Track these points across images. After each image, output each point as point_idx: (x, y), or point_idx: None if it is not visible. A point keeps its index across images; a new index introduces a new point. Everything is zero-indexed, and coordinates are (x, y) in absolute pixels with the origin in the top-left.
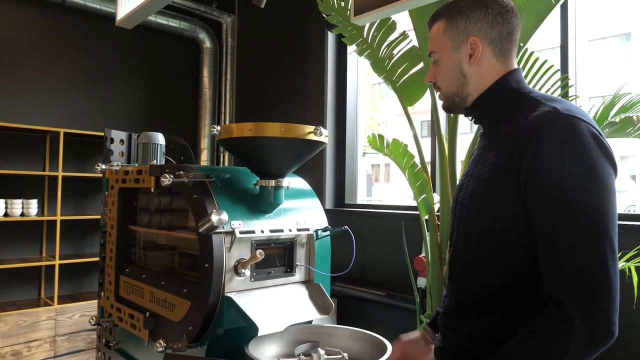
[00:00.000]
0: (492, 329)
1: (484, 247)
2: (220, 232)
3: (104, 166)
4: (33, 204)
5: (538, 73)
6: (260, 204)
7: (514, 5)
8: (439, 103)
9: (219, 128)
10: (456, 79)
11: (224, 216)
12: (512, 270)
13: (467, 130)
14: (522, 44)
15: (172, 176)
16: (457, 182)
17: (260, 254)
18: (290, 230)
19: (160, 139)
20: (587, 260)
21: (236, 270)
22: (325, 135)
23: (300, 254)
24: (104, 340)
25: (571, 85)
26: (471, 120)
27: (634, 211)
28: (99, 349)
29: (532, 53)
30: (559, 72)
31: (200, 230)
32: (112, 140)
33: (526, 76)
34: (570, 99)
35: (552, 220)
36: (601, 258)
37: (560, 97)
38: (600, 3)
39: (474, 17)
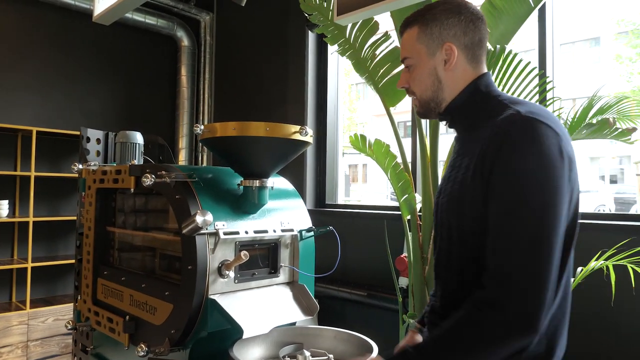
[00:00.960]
0: None
1: (462, 248)
2: (204, 233)
3: (80, 166)
4: (4, 205)
5: (520, 75)
6: (244, 204)
7: (482, 13)
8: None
9: (202, 127)
10: (431, 84)
11: (209, 217)
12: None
13: (448, 131)
14: (502, 46)
15: (153, 176)
16: (439, 184)
17: (244, 255)
18: (274, 231)
19: (138, 138)
20: (524, 258)
21: (220, 271)
22: (310, 135)
23: (284, 255)
24: (80, 344)
25: (552, 88)
26: (446, 125)
27: (604, 210)
28: (75, 354)
29: (515, 55)
30: (538, 75)
31: (184, 231)
32: (88, 139)
33: (509, 78)
34: (549, 101)
35: (500, 219)
36: (538, 258)
37: (538, 99)
38: (571, 7)
39: (448, 24)
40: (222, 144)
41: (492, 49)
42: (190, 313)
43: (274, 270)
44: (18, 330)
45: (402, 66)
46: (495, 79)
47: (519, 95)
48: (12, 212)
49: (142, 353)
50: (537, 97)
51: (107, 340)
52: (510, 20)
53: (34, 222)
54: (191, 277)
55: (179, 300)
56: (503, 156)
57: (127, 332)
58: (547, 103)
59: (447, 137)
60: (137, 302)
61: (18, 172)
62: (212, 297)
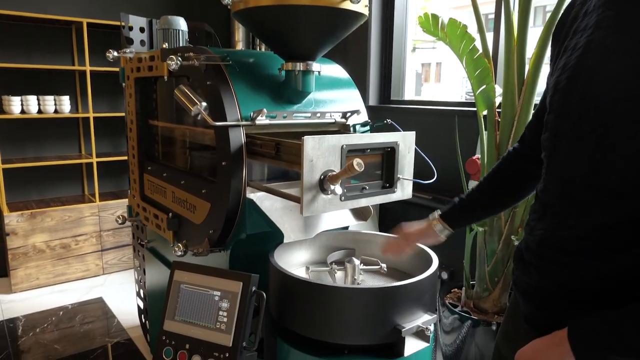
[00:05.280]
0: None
1: (629, 167)
2: (239, 125)
3: (116, 53)
4: (65, 101)
5: None
6: (286, 92)
7: None
8: None
9: None
10: None
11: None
12: None
13: (535, 24)
14: None
15: (179, 59)
16: (526, 69)
17: (358, 164)
18: (330, 116)
19: (181, 24)
20: None
21: (322, 185)
22: (365, 5)
23: None
24: (137, 238)
25: None
26: None
27: None
28: (134, 247)
29: None
30: None
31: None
32: (130, 28)
33: None
34: None
35: None
36: None
37: None
38: None
39: None
40: (256, 17)
41: None
42: (228, 213)
43: (389, 184)
44: (91, 221)
45: None
46: None
47: None
48: (74, 108)
49: (180, 253)
50: None
51: (159, 235)
52: None
53: (97, 118)
54: (226, 173)
55: (216, 198)
56: None
57: (171, 230)
58: None
59: (536, 30)
60: (178, 199)
61: (76, 67)
62: (250, 197)
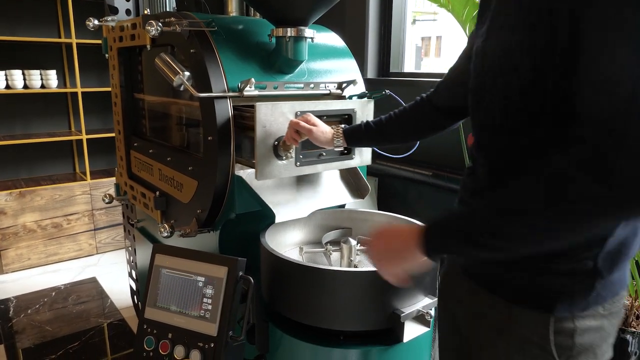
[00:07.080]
0: None
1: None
2: (226, 96)
3: (96, 21)
4: (52, 75)
5: None
6: (277, 61)
7: None
8: None
9: None
10: None
11: None
12: None
13: None
14: None
15: (159, 25)
16: None
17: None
18: (325, 87)
19: None
20: None
21: (276, 151)
22: None
23: None
24: (127, 217)
25: None
26: None
27: None
28: (125, 227)
29: None
30: None
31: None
32: None
33: None
34: None
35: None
36: None
37: None
38: None
39: None
40: None
41: None
42: (216, 191)
43: (347, 151)
44: (82, 200)
45: None
46: None
47: None
48: (62, 83)
49: (166, 234)
50: None
51: (148, 214)
52: None
53: (85, 93)
54: (212, 149)
55: (203, 176)
56: None
57: (158, 209)
58: None
59: None
60: (165, 177)
61: (62, 39)
62: (239, 174)
